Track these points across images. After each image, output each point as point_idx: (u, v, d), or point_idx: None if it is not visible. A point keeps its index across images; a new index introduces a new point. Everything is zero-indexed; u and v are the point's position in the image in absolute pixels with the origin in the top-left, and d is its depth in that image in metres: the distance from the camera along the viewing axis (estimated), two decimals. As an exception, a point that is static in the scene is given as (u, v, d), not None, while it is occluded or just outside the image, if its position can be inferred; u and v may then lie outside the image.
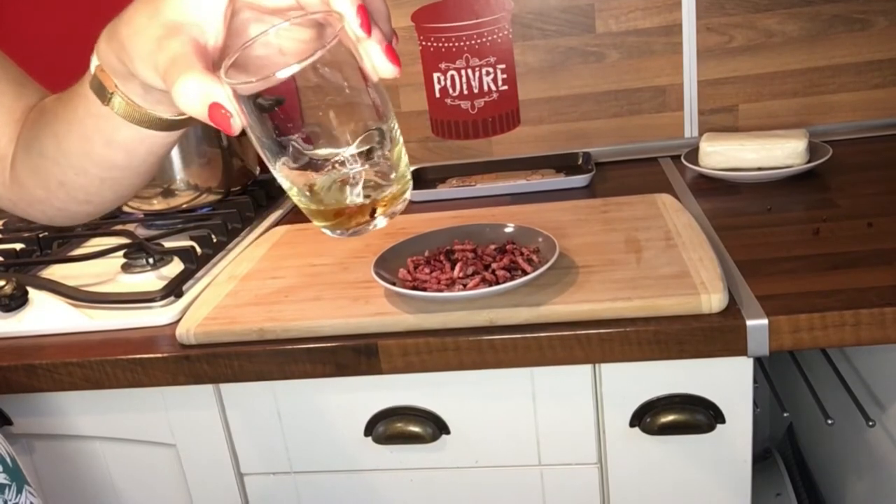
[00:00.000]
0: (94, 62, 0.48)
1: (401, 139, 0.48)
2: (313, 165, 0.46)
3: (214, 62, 0.43)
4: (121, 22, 0.44)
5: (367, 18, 0.43)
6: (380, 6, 0.45)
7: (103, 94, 0.48)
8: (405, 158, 0.48)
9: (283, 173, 0.46)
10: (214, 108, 0.41)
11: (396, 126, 0.47)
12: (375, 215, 0.47)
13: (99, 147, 0.51)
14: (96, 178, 0.53)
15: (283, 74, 0.42)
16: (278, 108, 0.45)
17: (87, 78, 0.49)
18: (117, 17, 0.45)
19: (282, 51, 0.47)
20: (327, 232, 0.49)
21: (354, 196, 0.47)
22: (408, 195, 0.49)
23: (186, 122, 0.50)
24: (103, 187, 0.55)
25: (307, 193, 0.47)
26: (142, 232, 1.11)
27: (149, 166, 0.54)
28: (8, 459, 0.57)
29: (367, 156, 0.46)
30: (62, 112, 0.52)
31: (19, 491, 0.57)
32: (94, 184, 0.54)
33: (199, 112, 0.41)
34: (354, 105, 0.45)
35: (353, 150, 0.46)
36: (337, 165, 0.46)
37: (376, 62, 0.44)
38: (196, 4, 0.43)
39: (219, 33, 0.44)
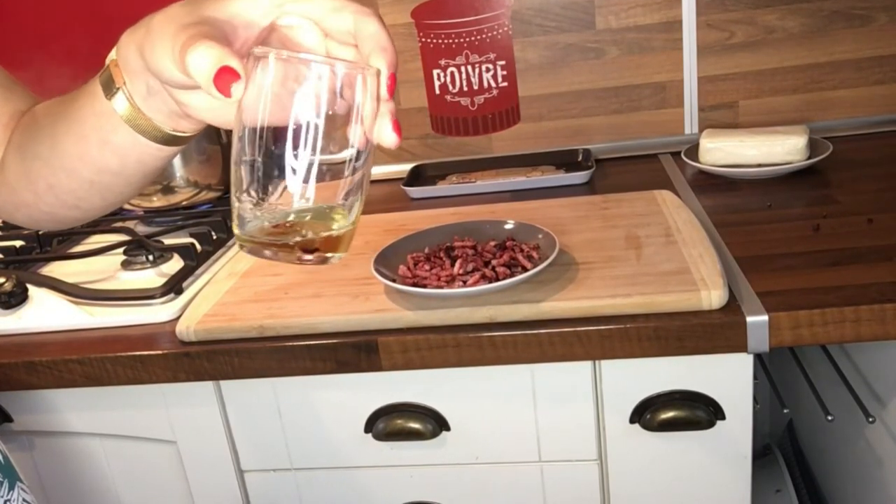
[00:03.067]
0: (112, 56, 0.48)
1: (363, 196, 0.47)
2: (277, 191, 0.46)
3: None
4: (157, 14, 0.45)
5: (394, 86, 0.44)
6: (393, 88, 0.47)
7: (110, 87, 0.48)
8: (359, 213, 0.47)
9: (240, 176, 0.45)
10: (224, 70, 0.41)
11: (365, 189, 0.47)
12: (304, 251, 0.46)
13: (94, 147, 0.51)
14: (86, 181, 0.53)
15: (309, 57, 0.43)
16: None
17: (100, 73, 0.49)
18: (155, 13, 0.46)
19: None
20: (256, 249, 0.47)
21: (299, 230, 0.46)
22: (340, 255, 0.48)
23: (180, 141, 0.51)
24: (92, 191, 0.54)
25: (259, 204, 0.46)
26: (142, 229, 1.11)
27: (139, 177, 0.54)
28: (0, 457, 0.58)
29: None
30: (65, 110, 0.52)
31: (11, 487, 0.57)
32: (83, 187, 0.54)
33: (207, 74, 0.41)
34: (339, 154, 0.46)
35: (313, 184, 0.45)
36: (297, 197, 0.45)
37: (383, 126, 0.45)
38: (237, 11, 0.44)
39: (248, 41, 0.45)
